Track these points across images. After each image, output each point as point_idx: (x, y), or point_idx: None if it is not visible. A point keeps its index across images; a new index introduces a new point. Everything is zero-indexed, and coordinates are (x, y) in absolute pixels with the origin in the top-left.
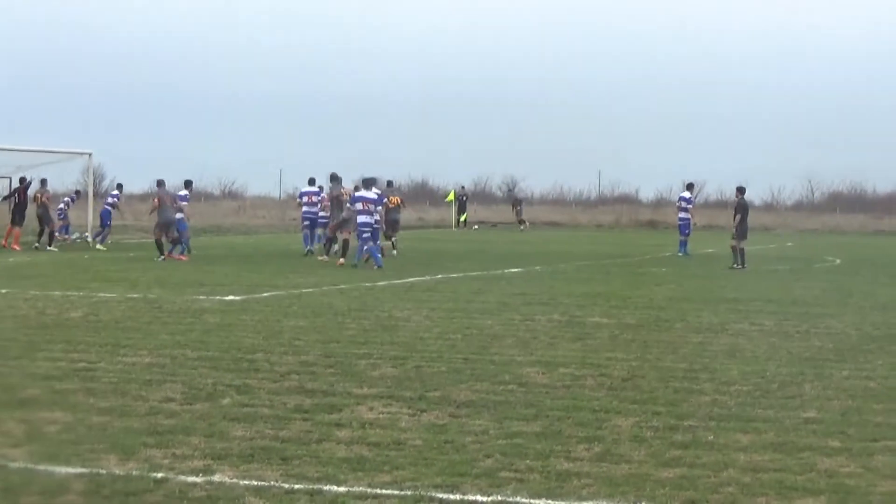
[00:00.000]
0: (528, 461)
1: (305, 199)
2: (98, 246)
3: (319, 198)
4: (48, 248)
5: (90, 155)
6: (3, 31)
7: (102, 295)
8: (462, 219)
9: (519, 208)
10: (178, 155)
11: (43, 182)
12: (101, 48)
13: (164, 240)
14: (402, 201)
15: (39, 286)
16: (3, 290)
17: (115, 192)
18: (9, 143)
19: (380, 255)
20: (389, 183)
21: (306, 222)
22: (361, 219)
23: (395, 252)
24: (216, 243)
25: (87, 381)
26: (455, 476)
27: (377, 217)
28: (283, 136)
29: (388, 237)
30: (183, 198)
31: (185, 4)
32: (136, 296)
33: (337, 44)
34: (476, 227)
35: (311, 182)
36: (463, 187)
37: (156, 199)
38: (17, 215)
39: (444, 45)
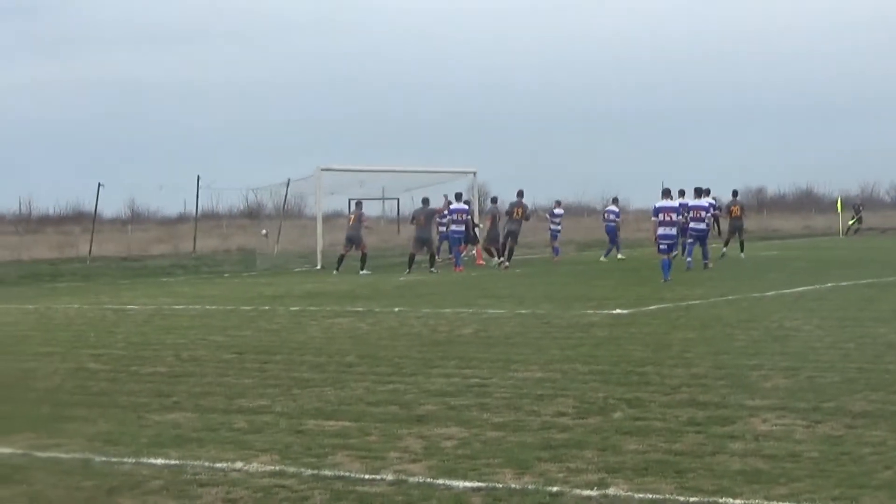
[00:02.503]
0: None
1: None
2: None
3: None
4: (362, 271)
5: (475, 174)
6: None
7: (492, 311)
8: (852, 224)
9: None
10: (559, 170)
11: (358, 204)
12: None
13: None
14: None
15: (431, 304)
16: (397, 309)
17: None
18: (396, 164)
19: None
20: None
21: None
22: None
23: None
24: (595, 258)
25: (481, 396)
26: (854, 488)
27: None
28: (662, 148)
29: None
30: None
31: None
32: (524, 311)
33: (723, 47)
34: None
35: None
36: (859, 202)
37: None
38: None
39: (836, 48)
